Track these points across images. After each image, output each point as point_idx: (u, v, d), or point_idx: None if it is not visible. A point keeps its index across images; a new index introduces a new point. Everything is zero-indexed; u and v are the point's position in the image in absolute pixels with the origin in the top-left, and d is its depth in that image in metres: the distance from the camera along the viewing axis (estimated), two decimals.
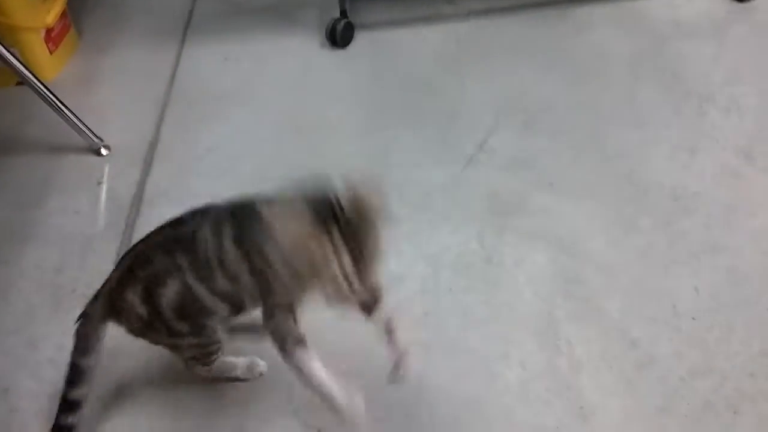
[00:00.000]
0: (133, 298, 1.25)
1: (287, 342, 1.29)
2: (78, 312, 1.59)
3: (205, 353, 1.38)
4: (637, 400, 1.45)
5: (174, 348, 1.37)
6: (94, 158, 2.00)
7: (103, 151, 2.01)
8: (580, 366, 1.51)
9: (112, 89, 2.22)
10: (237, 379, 1.49)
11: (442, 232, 1.80)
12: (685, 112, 2.08)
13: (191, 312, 1.26)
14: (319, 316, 1.31)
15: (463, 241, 1.77)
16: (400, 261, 1.73)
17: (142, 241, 1.31)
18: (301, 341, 1.29)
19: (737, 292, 1.63)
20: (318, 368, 1.28)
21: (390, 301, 1.63)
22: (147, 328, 1.29)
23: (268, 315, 1.30)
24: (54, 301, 1.66)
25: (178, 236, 1.27)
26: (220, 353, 1.39)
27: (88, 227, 1.82)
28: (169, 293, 1.23)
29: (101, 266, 1.70)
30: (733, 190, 1.86)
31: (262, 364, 1.50)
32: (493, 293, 1.66)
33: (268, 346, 1.30)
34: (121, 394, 1.50)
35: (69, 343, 1.54)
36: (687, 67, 2.21)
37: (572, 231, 1.78)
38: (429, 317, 1.62)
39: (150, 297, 1.24)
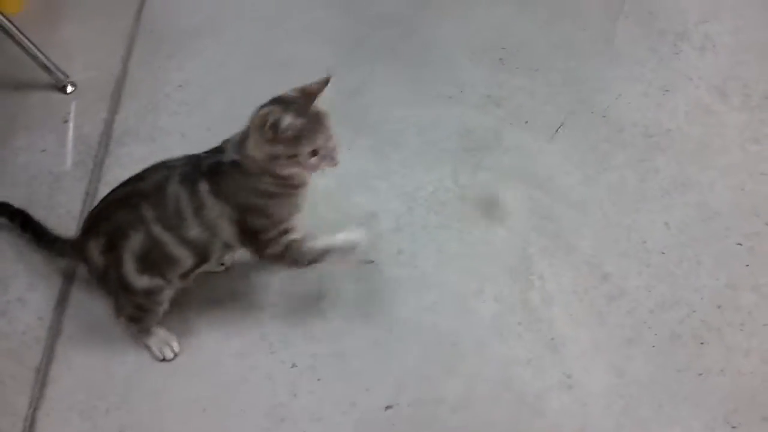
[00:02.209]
0: (93, 249, 1.35)
1: (295, 259, 1.37)
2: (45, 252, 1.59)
3: (143, 319, 1.42)
4: (607, 331, 1.48)
5: (118, 302, 1.42)
6: (59, 95, 1.94)
7: (69, 88, 1.95)
8: (552, 300, 1.53)
9: (77, 24, 2.14)
10: (152, 357, 1.46)
11: (416, 170, 1.79)
12: (660, 50, 2.07)
13: (155, 262, 1.32)
14: None
15: (437, 179, 1.76)
16: (374, 199, 1.72)
17: (102, 199, 1.40)
18: (300, 249, 1.36)
19: (706, 227, 1.65)
20: (321, 244, 1.37)
21: (365, 238, 1.65)
22: (102, 277, 1.38)
23: (266, 249, 1.36)
24: (22, 241, 1.63)
25: (141, 191, 1.32)
26: (154, 324, 1.44)
27: (55, 166, 1.78)
28: (133, 244, 1.30)
29: (69, 205, 1.69)
30: (705, 127, 1.87)
31: (172, 347, 1.45)
32: (467, 230, 1.67)
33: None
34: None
35: (38, 282, 1.55)
36: (662, 6, 2.18)
37: (546, 168, 1.78)
38: (403, 254, 1.62)
39: (111, 249, 1.32)
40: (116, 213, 1.33)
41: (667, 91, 1.96)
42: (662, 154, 1.80)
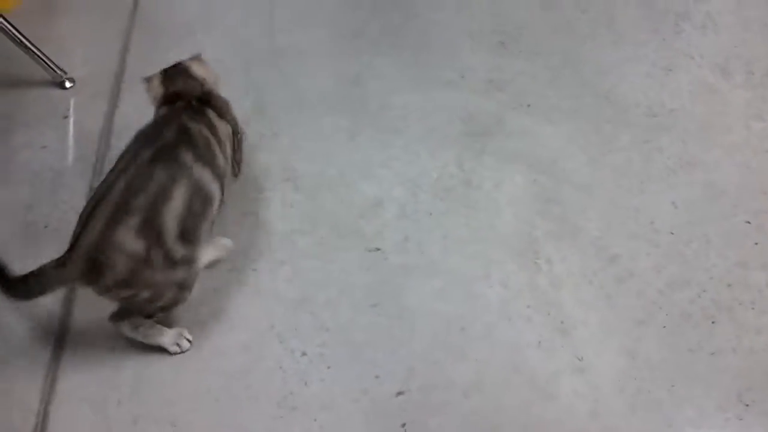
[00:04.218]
0: (125, 236, 1.24)
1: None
2: (51, 249, 1.57)
3: (170, 309, 1.39)
4: (616, 313, 1.48)
5: (154, 294, 1.32)
6: (58, 91, 1.93)
7: (68, 84, 1.94)
8: (560, 283, 1.53)
9: (74, 19, 2.13)
10: (162, 349, 1.43)
11: (420, 156, 1.78)
12: (662, 30, 2.06)
13: (194, 217, 1.33)
14: None
15: (441, 165, 1.75)
16: (378, 186, 1.71)
17: (113, 181, 1.29)
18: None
19: (714, 206, 1.64)
20: None
21: (370, 227, 1.64)
22: (141, 266, 1.26)
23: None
24: (26, 238, 1.62)
25: (168, 143, 1.37)
26: (187, 295, 1.39)
27: (56, 162, 1.77)
28: (176, 204, 1.29)
29: (73, 201, 1.69)
30: (709, 106, 1.86)
31: (187, 338, 1.44)
32: (473, 216, 1.66)
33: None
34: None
35: None
36: None
37: (550, 151, 1.77)
38: (409, 242, 1.61)
39: (150, 226, 1.26)
40: (152, 177, 1.28)
41: (669, 70, 1.94)
42: (666, 133, 1.79)
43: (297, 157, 1.77)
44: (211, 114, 1.49)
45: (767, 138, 1.79)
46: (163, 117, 1.48)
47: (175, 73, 1.56)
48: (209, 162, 1.39)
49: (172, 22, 2.11)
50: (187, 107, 1.47)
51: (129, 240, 1.24)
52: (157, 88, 1.54)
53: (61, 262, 1.26)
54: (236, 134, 1.58)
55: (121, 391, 1.38)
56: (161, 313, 1.40)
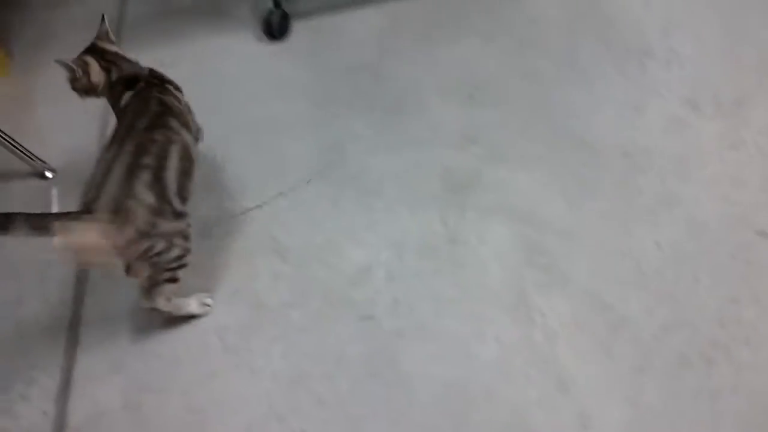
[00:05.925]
0: (142, 188, 1.37)
1: None
2: (45, 342, 1.57)
3: (183, 260, 1.48)
4: (614, 362, 1.48)
5: (167, 244, 1.42)
6: (39, 182, 1.94)
7: (48, 174, 1.95)
8: (555, 335, 1.53)
9: (49, 109, 2.14)
10: (191, 316, 1.62)
11: (402, 217, 1.79)
12: (627, 69, 2.09)
13: (185, 175, 1.47)
14: None
15: (424, 224, 1.76)
16: (363, 251, 1.72)
17: (119, 146, 1.41)
18: None
19: (698, 242, 1.66)
20: None
21: (361, 295, 1.64)
22: (155, 216, 1.38)
23: None
24: (17, 334, 1.61)
25: (155, 108, 1.51)
26: (187, 261, 1.50)
27: (43, 254, 1.76)
28: (173, 162, 1.44)
29: (62, 294, 1.67)
30: (682, 141, 1.88)
31: (208, 300, 1.65)
32: (460, 273, 1.66)
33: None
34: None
35: (37, 375, 1.53)
36: (622, 24, 2.22)
37: (530, 200, 1.79)
38: (399, 305, 1.61)
39: (157, 179, 1.40)
40: (154, 140, 1.43)
41: (639, 109, 1.98)
42: (643, 173, 1.82)
43: (282, 228, 1.78)
44: (171, 87, 1.62)
45: (742, 167, 1.81)
46: (141, 96, 1.55)
47: (109, 57, 1.60)
48: (187, 127, 1.55)
49: None
50: (150, 85, 1.58)
51: (145, 194, 1.37)
52: (99, 75, 1.58)
53: (86, 210, 1.34)
54: None
55: None
56: (175, 264, 1.46)
